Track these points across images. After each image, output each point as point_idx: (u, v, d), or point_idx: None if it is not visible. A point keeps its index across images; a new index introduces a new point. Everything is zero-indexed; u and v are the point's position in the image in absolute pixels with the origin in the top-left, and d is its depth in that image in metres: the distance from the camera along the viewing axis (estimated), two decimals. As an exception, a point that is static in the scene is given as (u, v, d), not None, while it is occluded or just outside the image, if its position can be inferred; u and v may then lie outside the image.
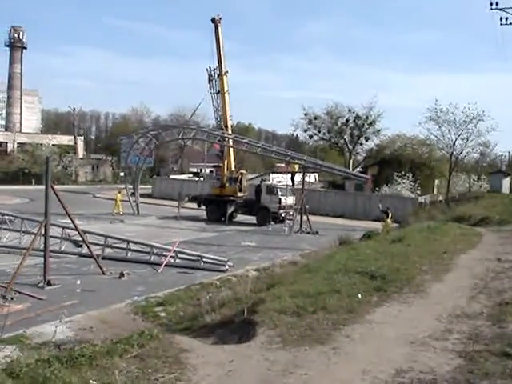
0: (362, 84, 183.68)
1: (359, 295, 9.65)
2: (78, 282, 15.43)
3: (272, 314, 8.29)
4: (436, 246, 17.21)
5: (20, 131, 79.23)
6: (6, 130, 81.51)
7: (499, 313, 8.86)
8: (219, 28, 35.32)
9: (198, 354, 6.82)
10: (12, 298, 12.92)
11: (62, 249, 20.02)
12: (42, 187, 16.66)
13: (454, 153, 48.23)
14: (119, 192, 35.59)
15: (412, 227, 24.86)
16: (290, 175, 37.23)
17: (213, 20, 35.50)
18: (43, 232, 16.07)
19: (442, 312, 8.99)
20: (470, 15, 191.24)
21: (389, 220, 28.06)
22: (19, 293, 13.86)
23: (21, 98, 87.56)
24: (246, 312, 8.87)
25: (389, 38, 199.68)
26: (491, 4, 27.20)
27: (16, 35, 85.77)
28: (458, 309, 9.23)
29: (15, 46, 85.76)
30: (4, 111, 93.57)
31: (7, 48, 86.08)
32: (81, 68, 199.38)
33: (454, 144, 47.60)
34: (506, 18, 27.29)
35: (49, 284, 15.30)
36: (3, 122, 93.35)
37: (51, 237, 16.98)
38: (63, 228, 20.17)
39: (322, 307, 8.71)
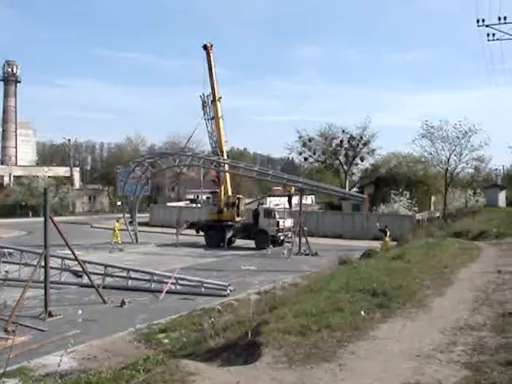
0: (355, 104, 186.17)
1: (362, 312, 9.64)
2: (80, 312, 15.41)
3: (276, 335, 8.25)
4: (436, 262, 17.26)
5: (16, 164, 79.58)
6: (2, 163, 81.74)
7: (502, 323, 8.89)
8: (211, 54, 35.77)
9: (204, 377, 6.79)
10: (14, 331, 12.83)
11: (62, 280, 19.96)
12: (40, 219, 16.68)
13: (449, 169, 48.59)
14: (117, 221, 35.59)
15: (411, 244, 24.89)
16: (287, 198, 37.37)
17: (204, 47, 35.94)
18: (43, 263, 16.04)
19: (446, 325, 9.00)
20: (459, 33, 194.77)
21: (387, 238, 28.16)
22: (20, 325, 13.78)
23: (16, 132, 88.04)
24: (250, 334, 8.82)
25: (380, 58, 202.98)
26: (478, 21, 27.69)
27: (10, 69, 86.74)
28: (462, 321, 9.25)
29: (9, 80, 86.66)
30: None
31: (1, 82, 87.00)
32: (74, 99, 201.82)
33: (449, 160, 48.06)
34: (493, 34, 27.74)
35: (50, 315, 15.25)
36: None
37: (51, 268, 16.95)
38: (63, 259, 20.13)
39: (326, 325, 8.69)
